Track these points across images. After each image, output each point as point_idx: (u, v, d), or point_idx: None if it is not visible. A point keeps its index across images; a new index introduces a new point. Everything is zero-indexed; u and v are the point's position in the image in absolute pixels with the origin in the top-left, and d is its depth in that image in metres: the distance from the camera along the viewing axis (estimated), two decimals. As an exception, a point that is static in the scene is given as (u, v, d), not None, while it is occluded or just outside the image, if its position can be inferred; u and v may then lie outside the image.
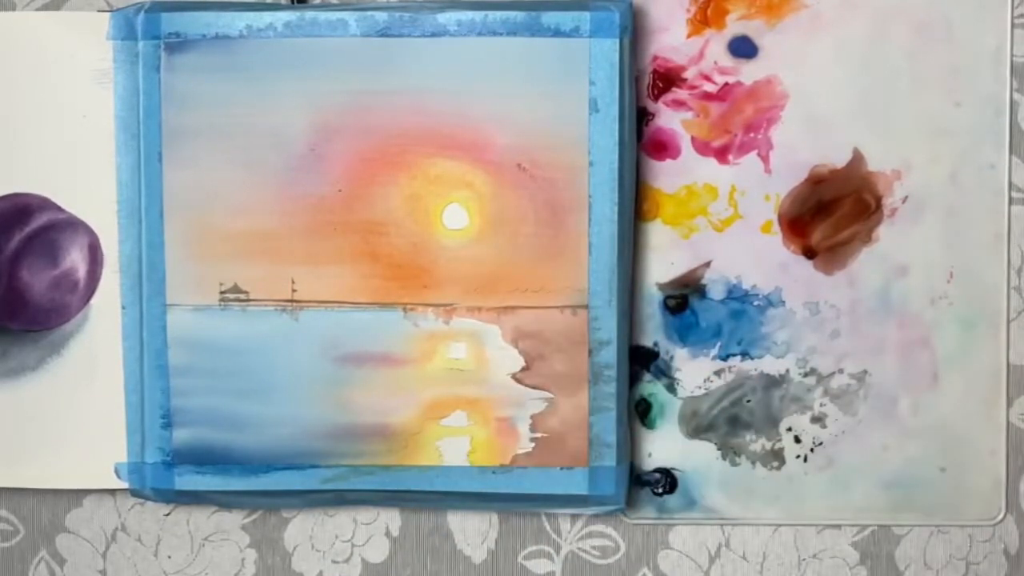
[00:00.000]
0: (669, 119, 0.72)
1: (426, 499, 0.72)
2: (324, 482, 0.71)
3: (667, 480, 0.73)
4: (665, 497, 0.73)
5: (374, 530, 0.74)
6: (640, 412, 0.73)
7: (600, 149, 0.69)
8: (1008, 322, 0.72)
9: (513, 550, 0.74)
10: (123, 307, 0.71)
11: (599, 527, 0.74)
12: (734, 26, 0.71)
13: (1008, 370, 0.73)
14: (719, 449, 0.73)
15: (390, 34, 0.69)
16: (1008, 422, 0.73)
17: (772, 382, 0.72)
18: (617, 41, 0.68)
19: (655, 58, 0.71)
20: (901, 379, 0.72)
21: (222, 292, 0.70)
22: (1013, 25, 0.71)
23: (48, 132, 0.71)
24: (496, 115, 0.69)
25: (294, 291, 0.70)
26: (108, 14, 0.70)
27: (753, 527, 0.73)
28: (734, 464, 0.73)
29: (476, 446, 0.71)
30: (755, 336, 0.72)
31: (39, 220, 0.72)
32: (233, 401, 0.71)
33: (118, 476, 0.72)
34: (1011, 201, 0.72)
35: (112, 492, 0.74)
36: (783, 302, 0.72)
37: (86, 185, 0.71)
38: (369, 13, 0.69)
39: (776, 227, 0.72)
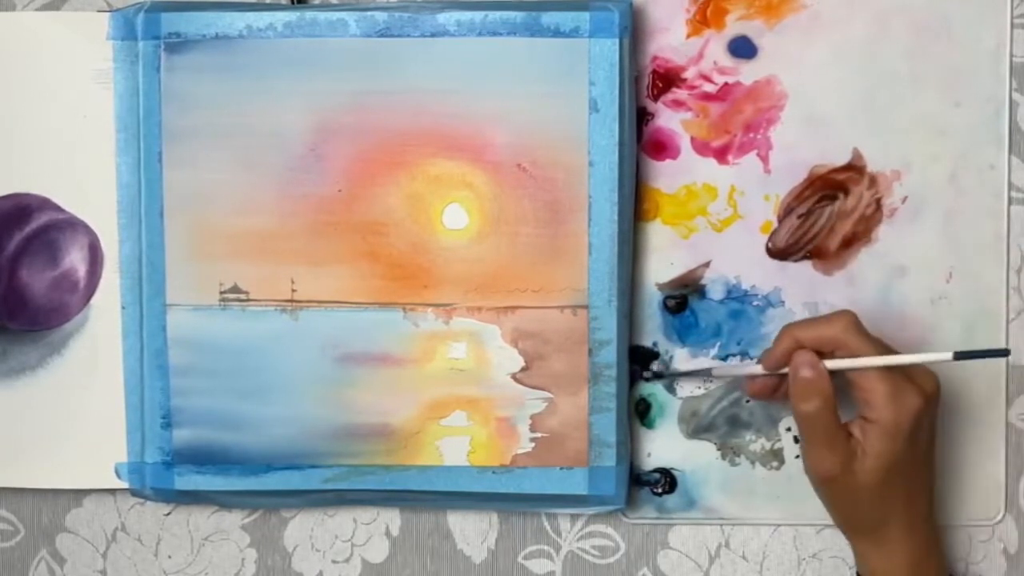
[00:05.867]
0: (669, 119, 0.72)
1: (426, 499, 0.72)
2: (324, 482, 0.71)
3: (667, 480, 0.73)
4: (665, 497, 0.73)
5: (374, 530, 0.74)
6: (640, 412, 0.73)
7: (600, 149, 0.69)
8: (1008, 322, 0.72)
9: (513, 550, 0.74)
10: (123, 307, 0.71)
11: (599, 527, 0.74)
12: (734, 26, 0.71)
13: (1008, 370, 0.73)
14: (719, 449, 0.73)
15: (390, 34, 0.69)
16: (1008, 422, 0.73)
17: (772, 382, 0.72)
18: (617, 41, 0.68)
19: (655, 58, 0.71)
20: (901, 379, 0.72)
21: (222, 292, 0.70)
22: (1013, 25, 0.71)
23: (48, 132, 0.71)
24: (496, 115, 0.69)
25: (294, 291, 0.70)
26: (108, 14, 0.70)
27: (753, 527, 0.73)
28: (734, 464, 0.73)
29: (476, 446, 0.71)
30: (755, 336, 0.72)
31: (39, 220, 0.72)
32: (233, 401, 0.71)
33: (118, 476, 0.72)
34: (1011, 201, 0.72)
35: (112, 492, 0.74)
36: (782, 302, 0.72)
37: (86, 185, 0.71)
38: (369, 13, 0.69)
39: (776, 227, 0.72)
